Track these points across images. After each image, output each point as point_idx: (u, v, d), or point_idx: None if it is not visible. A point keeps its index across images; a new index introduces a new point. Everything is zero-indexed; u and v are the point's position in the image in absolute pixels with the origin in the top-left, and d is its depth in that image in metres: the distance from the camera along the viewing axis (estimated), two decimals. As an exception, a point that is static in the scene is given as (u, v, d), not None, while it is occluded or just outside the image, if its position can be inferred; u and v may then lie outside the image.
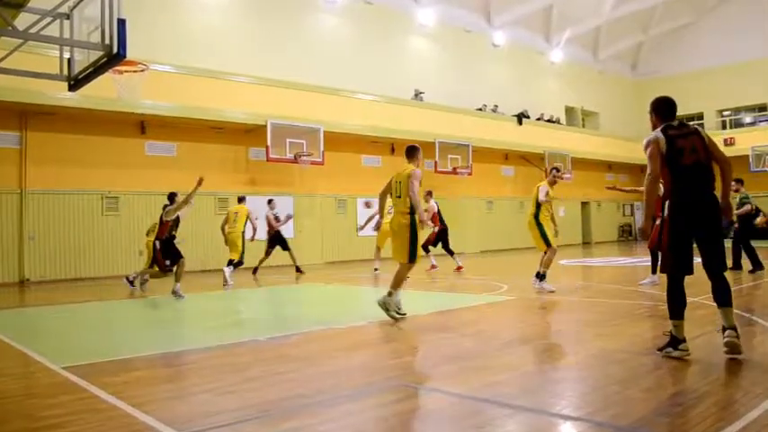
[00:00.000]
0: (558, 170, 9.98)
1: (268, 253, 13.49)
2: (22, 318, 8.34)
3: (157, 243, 9.37)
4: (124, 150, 14.81)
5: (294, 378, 4.34)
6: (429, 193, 13.33)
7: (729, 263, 9.53)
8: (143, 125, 15.12)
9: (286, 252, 13.64)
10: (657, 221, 9.62)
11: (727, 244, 11.25)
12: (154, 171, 14.87)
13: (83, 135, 14.18)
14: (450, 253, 13.72)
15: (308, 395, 3.86)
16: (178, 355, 5.30)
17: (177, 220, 9.71)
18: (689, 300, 7.53)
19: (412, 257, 6.69)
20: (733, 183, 11.79)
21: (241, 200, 12.58)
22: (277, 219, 13.44)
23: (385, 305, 6.62)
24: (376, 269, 13.04)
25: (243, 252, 11.80)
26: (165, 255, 9.36)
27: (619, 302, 7.84)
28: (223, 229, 12.06)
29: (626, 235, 29.77)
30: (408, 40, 22.80)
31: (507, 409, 3.47)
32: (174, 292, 9.20)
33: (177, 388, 4.20)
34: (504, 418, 3.36)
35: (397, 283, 6.68)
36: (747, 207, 11.48)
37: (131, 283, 10.58)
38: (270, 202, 13.71)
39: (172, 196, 9.64)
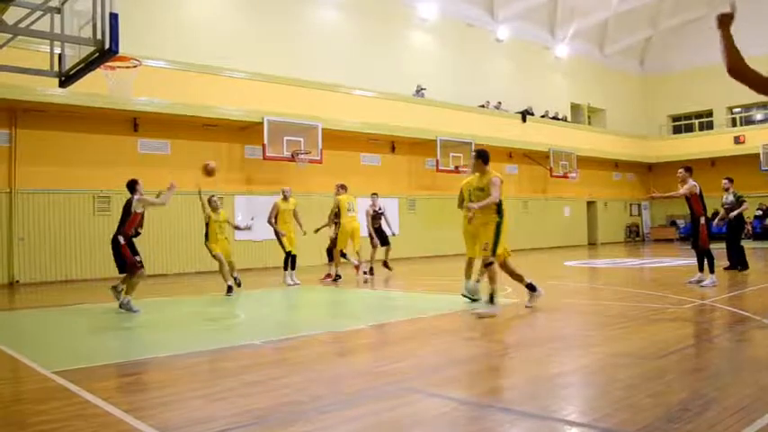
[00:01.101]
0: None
1: (384, 245, 13.57)
2: (12, 320, 8.34)
3: (121, 239, 8.28)
4: (116, 148, 14.81)
5: (291, 383, 4.33)
6: (343, 187, 12.61)
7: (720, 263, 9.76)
8: (136, 122, 15.12)
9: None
10: (703, 221, 9.77)
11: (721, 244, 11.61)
12: (147, 169, 14.83)
13: (74, 133, 14.19)
14: (330, 258, 13.04)
15: (306, 401, 3.86)
16: (172, 360, 5.29)
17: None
18: (698, 302, 7.56)
19: (493, 252, 7.26)
20: (725, 181, 12.09)
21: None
22: (375, 217, 13.53)
23: (490, 297, 7.21)
24: (339, 276, 12.21)
25: (285, 248, 11.74)
26: (135, 252, 8.36)
27: (626, 305, 7.83)
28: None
29: (633, 235, 29.78)
30: (409, 34, 22.80)
31: (511, 415, 3.47)
32: (123, 305, 8.21)
33: (171, 393, 4.20)
34: (507, 424, 3.36)
35: (493, 277, 7.37)
36: (745, 206, 12.03)
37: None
38: (373, 195, 13.86)
39: (132, 184, 8.58)
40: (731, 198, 11.92)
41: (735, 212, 11.74)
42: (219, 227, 10.58)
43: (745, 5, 29.36)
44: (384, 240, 13.52)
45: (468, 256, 8.23)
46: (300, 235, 11.87)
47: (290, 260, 11.74)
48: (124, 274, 8.50)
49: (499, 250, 7.46)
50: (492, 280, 7.35)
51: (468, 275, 8.20)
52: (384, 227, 13.57)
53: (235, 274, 10.66)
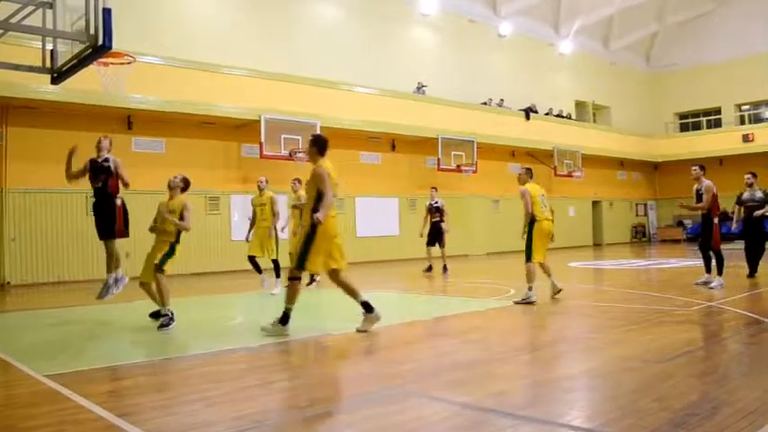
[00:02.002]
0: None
1: (435, 244, 13.66)
2: (2, 323, 8.33)
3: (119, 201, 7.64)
4: (110, 147, 14.78)
5: (290, 387, 4.34)
6: (298, 181, 11.15)
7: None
8: (130, 120, 15.12)
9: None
10: (716, 221, 9.59)
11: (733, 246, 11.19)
12: (141, 168, 14.78)
13: (66, 130, 14.14)
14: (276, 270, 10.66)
15: (304, 406, 3.86)
16: (167, 363, 5.29)
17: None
18: (706, 304, 7.57)
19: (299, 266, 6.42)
20: (749, 176, 11.16)
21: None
22: (430, 210, 13.66)
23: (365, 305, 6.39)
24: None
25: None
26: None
27: (631, 307, 7.84)
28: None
29: (639, 236, 29.78)
30: (409, 30, 22.80)
31: (514, 420, 3.47)
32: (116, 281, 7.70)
33: (166, 398, 4.20)
34: (510, 429, 3.36)
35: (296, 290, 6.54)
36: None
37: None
38: (432, 189, 13.93)
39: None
40: (759, 194, 11.02)
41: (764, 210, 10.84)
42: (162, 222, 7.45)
43: (750, 4, 29.41)
44: (439, 239, 13.58)
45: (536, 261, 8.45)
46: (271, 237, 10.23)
47: (273, 266, 10.21)
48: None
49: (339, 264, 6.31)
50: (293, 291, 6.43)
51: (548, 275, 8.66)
52: (441, 224, 13.69)
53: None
